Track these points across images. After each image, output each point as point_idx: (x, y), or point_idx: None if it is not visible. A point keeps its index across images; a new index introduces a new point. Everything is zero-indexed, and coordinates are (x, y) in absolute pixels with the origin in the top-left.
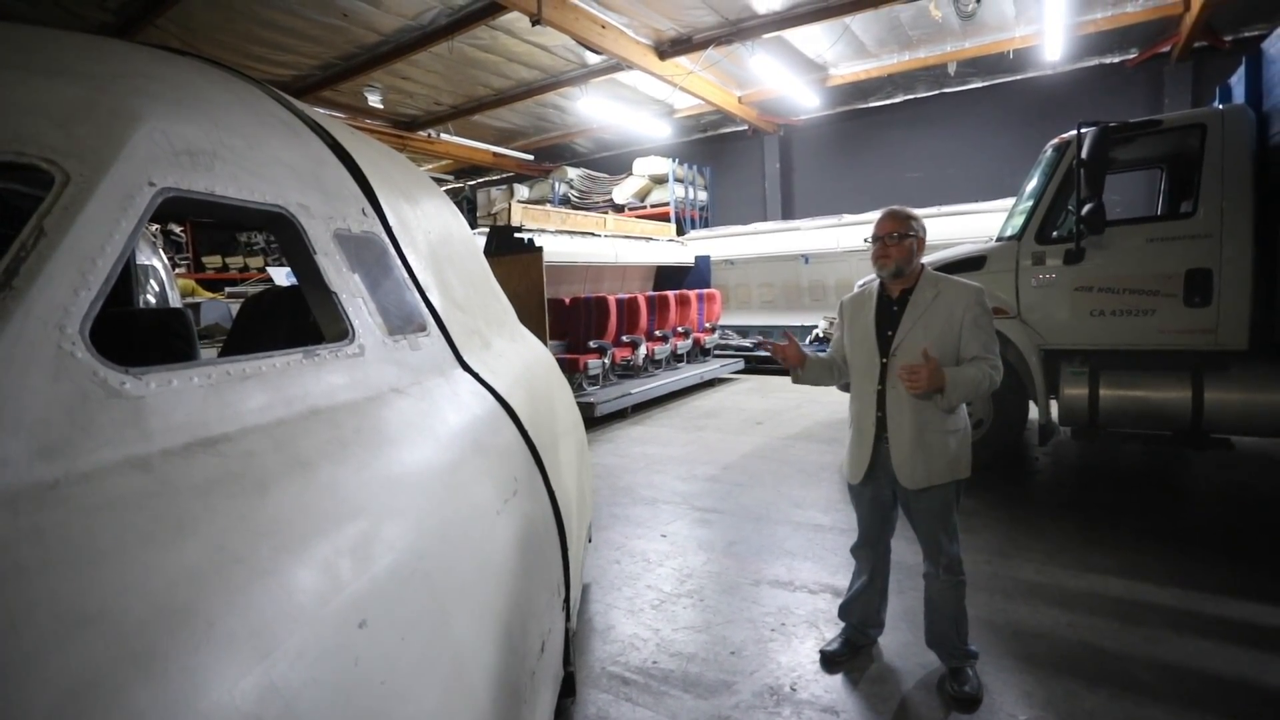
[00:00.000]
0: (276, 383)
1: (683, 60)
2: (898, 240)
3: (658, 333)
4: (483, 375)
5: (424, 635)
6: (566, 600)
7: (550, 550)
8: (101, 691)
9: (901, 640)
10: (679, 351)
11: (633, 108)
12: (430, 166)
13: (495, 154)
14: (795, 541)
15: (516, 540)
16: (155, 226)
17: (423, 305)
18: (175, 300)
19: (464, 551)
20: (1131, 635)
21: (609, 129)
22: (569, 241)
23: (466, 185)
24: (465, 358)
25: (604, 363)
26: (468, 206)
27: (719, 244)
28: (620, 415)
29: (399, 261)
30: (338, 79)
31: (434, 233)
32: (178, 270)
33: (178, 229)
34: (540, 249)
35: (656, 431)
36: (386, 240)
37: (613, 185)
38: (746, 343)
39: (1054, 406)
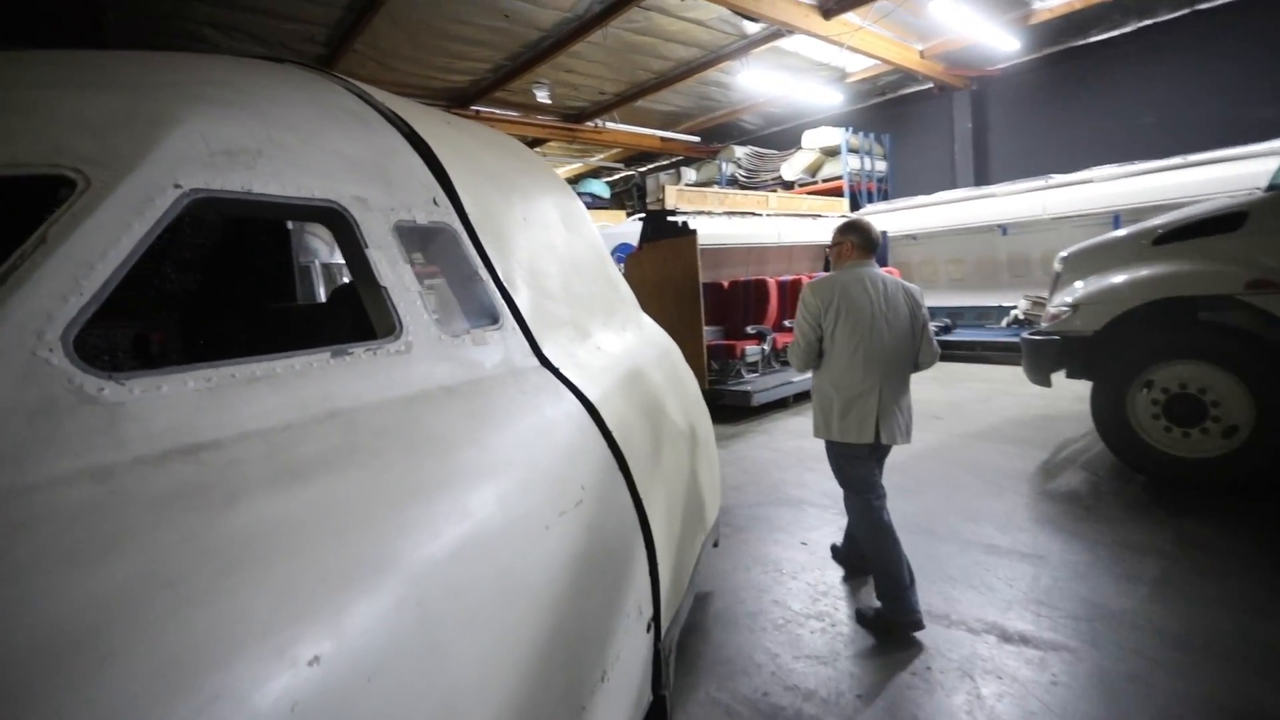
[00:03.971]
0: (292, 385)
1: (850, 16)
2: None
3: None
4: (565, 370)
5: (400, 676)
6: (656, 619)
7: (629, 566)
8: None
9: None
10: None
11: (799, 76)
12: (600, 156)
13: (662, 139)
14: (960, 564)
15: (573, 557)
16: None
17: (497, 297)
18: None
19: (481, 574)
20: None
21: (776, 102)
22: (727, 223)
23: (636, 172)
24: (546, 352)
25: (763, 349)
26: (637, 194)
27: (899, 218)
28: (780, 405)
29: (473, 252)
30: (508, 79)
31: (531, 219)
32: None
33: None
34: (694, 232)
35: None
36: (460, 230)
37: (781, 161)
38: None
39: None
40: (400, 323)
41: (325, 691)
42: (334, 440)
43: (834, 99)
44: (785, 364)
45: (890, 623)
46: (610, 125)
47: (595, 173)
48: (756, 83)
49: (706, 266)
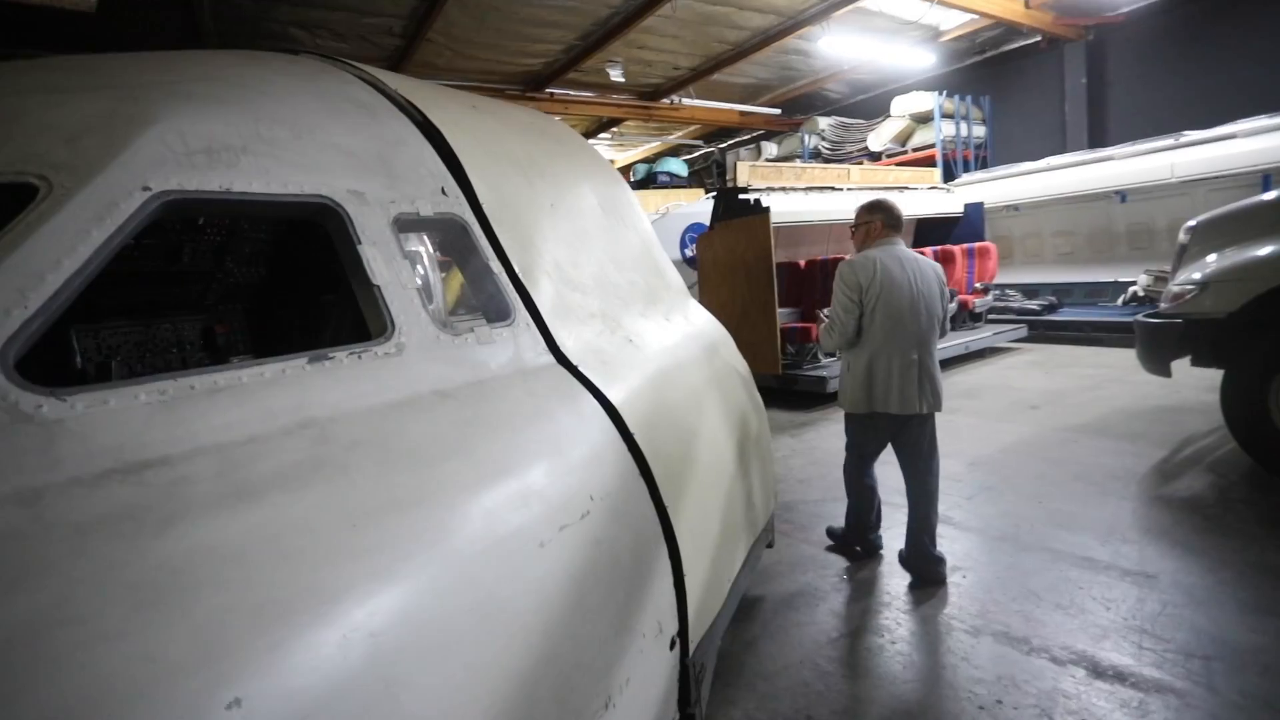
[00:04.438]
0: (260, 395)
1: None
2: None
3: None
4: (585, 368)
5: (341, 717)
6: (683, 635)
7: (646, 581)
8: None
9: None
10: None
11: (887, 39)
12: (679, 134)
13: (741, 113)
14: (1047, 579)
15: (573, 576)
16: None
17: (510, 291)
18: (436, 289)
19: (454, 600)
20: None
21: (862, 68)
22: (804, 199)
23: (716, 149)
24: (565, 348)
25: None
26: (717, 171)
27: (999, 187)
28: None
29: (485, 243)
30: (580, 59)
31: (561, 205)
32: None
33: None
34: (767, 209)
35: None
36: (470, 220)
37: (868, 131)
38: (1033, 305)
39: None
40: (393, 323)
41: None
42: (298, 455)
43: (926, 61)
44: None
45: (849, 545)
46: (686, 101)
47: (675, 151)
48: (840, 48)
49: (781, 245)
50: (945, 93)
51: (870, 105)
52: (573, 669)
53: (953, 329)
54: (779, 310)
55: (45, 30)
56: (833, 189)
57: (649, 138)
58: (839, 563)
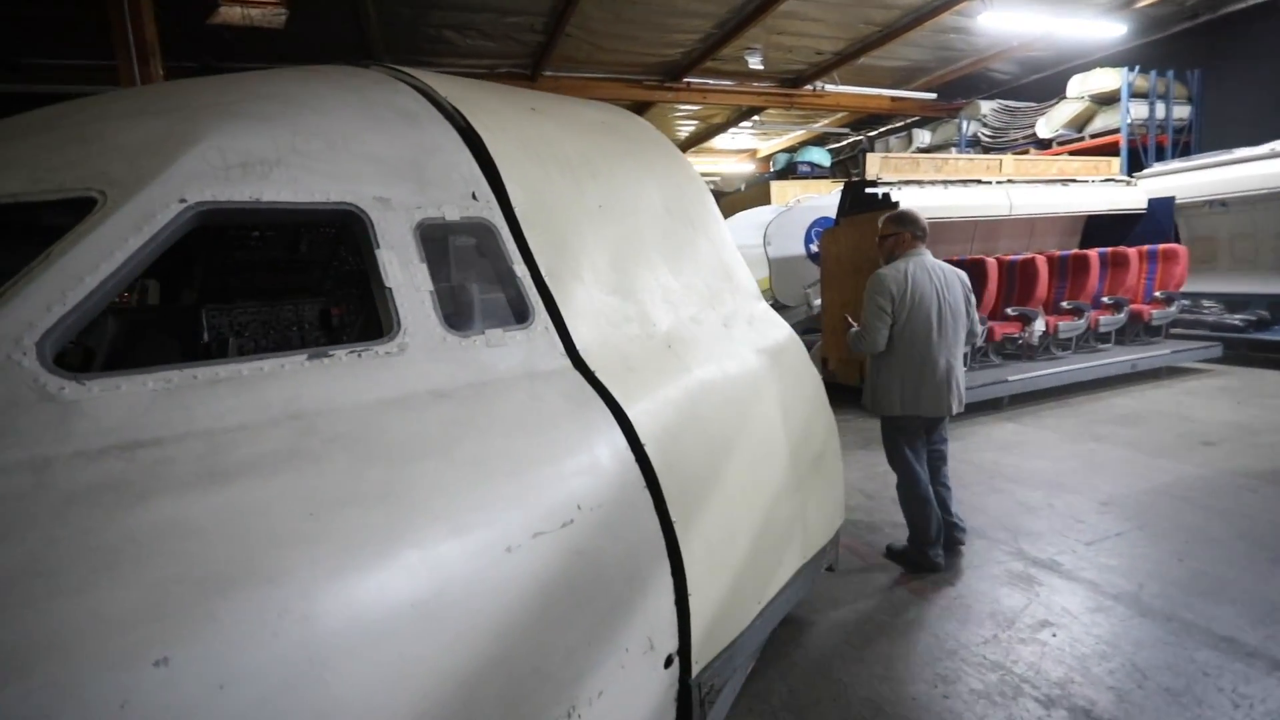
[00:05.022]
0: (257, 387)
1: None
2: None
3: (1066, 304)
4: (604, 374)
5: (263, 688)
6: (685, 654)
7: (637, 596)
8: None
9: None
10: (1103, 330)
11: (1065, 10)
12: (825, 122)
13: (892, 99)
14: (1163, 655)
15: (543, 584)
16: None
17: (532, 294)
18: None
19: (397, 594)
20: None
21: (1034, 44)
22: (943, 194)
23: (864, 137)
24: (589, 352)
25: (973, 341)
26: (863, 160)
27: (1201, 178)
28: (990, 406)
29: (512, 247)
30: (718, 46)
31: (611, 206)
32: None
33: None
34: (895, 205)
35: (1032, 435)
36: (499, 224)
37: (1037, 116)
38: (1235, 319)
39: None
40: (399, 323)
41: (165, 692)
42: (278, 444)
43: (1114, 32)
44: (1007, 357)
45: (912, 563)
46: (830, 88)
47: (821, 140)
48: (1007, 23)
49: None
50: (1138, 68)
51: (1043, 87)
52: (529, 674)
53: (1117, 343)
54: None
55: (244, 45)
56: (979, 182)
57: (792, 126)
58: (905, 595)
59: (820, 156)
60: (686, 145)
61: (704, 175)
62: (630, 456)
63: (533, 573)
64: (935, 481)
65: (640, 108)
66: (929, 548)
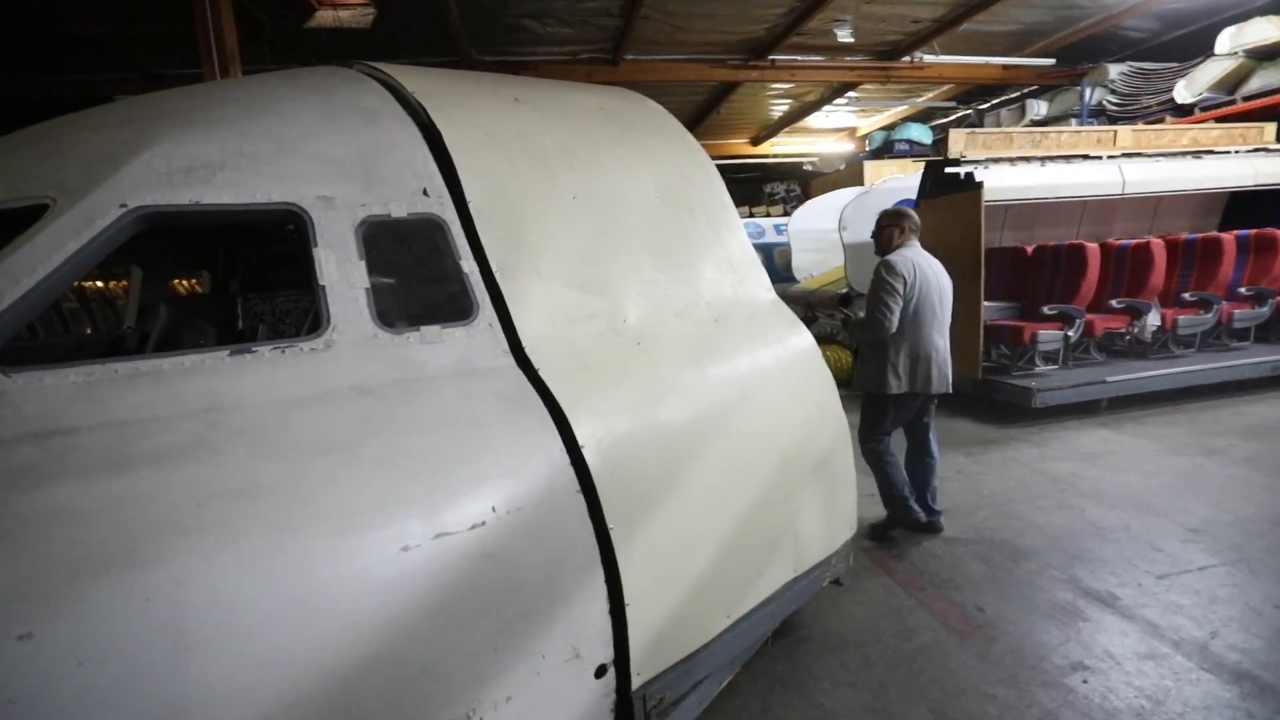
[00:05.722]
0: (175, 381)
1: None
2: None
3: (1189, 296)
4: (549, 373)
5: (126, 668)
6: (622, 665)
7: (559, 602)
8: None
9: None
10: (1238, 325)
11: None
12: (929, 96)
13: (1003, 67)
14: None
15: (442, 585)
16: None
17: (479, 291)
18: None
19: (277, 584)
20: None
21: None
22: (1039, 171)
23: (973, 110)
24: (536, 350)
25: (1066, 335)
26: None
27: None
28: (1081, 410)
29: (462, 242)
30: (803, 19)
31: (588, 196)
32: None
33: None
34: (978, 185)
35: (1126, 444)
36: (450, 220)
37: (1176, 78)
38: None
39: None
40: (329, 320)
41: (25, 664)
42: (184, 436)
43: None
44: (1115, 354)
45: (896, 524)
46: (930, 58)
47: (926, 115)
48: None
49: (1014, 226)
50: None
51: (1186, 45)
52: (419, 674)
53: (1258, 340)
54: (989, 304)
55: (330, 40)
56: (1085, 158)
57: (893, 101)
58: (924, 618)
59: (920, 133)
60: (780, 125)
61: (801, 156)
62: (565, 460)
63: (430, 573)
64: (924, 453)
65: (727, 89)
66: (907, 503)
